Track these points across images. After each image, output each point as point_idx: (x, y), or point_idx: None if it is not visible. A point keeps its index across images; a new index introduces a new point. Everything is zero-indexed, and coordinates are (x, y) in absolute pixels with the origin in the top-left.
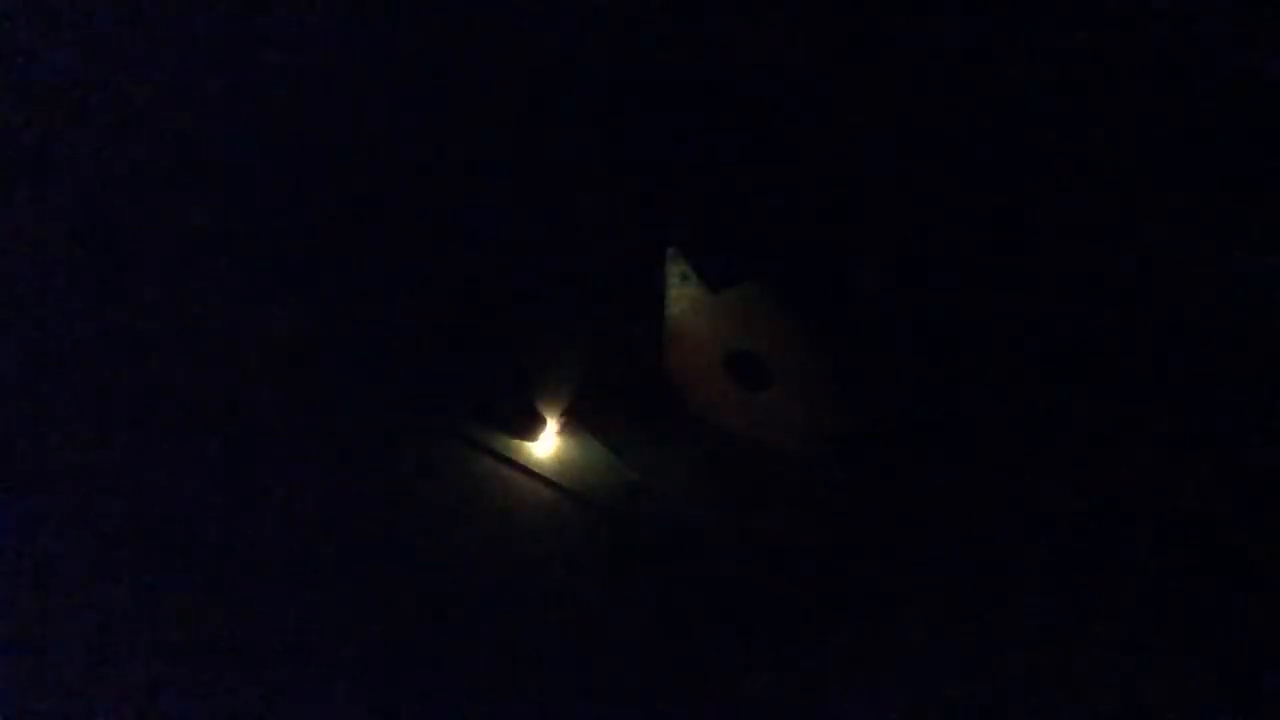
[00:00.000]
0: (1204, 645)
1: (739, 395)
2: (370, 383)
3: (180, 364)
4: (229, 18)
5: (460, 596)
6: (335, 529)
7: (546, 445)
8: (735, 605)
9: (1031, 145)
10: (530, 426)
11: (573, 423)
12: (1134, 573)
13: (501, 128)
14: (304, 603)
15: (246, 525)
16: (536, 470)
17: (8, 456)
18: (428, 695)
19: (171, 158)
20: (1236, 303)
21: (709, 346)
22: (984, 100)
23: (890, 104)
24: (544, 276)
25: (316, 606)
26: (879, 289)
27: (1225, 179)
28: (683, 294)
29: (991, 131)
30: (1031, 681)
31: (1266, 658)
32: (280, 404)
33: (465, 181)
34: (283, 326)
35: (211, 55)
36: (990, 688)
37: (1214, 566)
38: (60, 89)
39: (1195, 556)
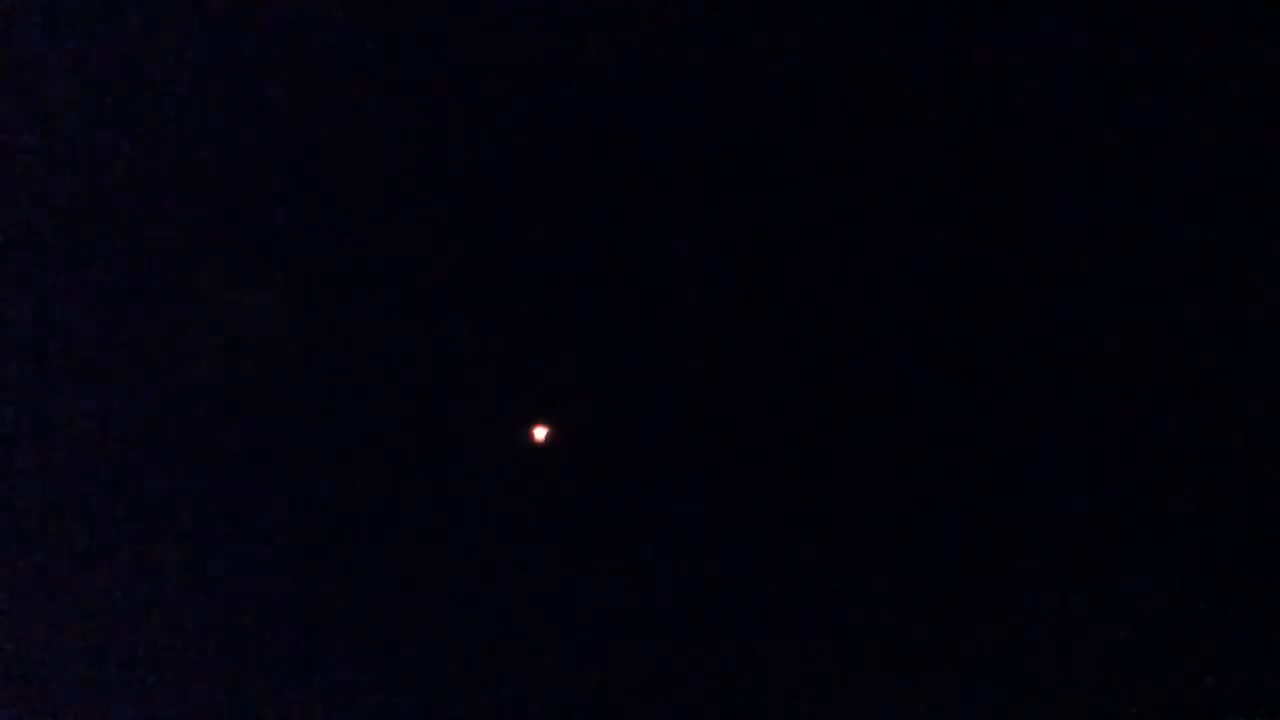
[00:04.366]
0: (1205, 648)
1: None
2: (369, 383)
3: (179, 364)
4: (229, 18)
5: (457, 596)
6: (333, 529)
7: (545, 443)
8: (736, 604)
9: (1034, 144)
10: (530, 426)
11: (571, 422)
12: (1135, 573)
13: (501, 129)
14: (299, 601)
15: (244, 524)
16: (536, 469)
17: (8, 455)
18: (423, 694)
19: (172, 157)
20: (1239, 303)
21: None
22: (985, 99)
23: (890, 103)
24: (543, 276)
25: (311, 606)
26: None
27: (1227, 179)
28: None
29: (993, 130)
30: (1031, 682)
31: (1267, 659)
32: (278, 404)
33: (463, 182)
34: (280, 325)
35: (212, 54)
36: (989, 689)
37: (1215, 567)
38: (60, 89)
39: (1196, 557)
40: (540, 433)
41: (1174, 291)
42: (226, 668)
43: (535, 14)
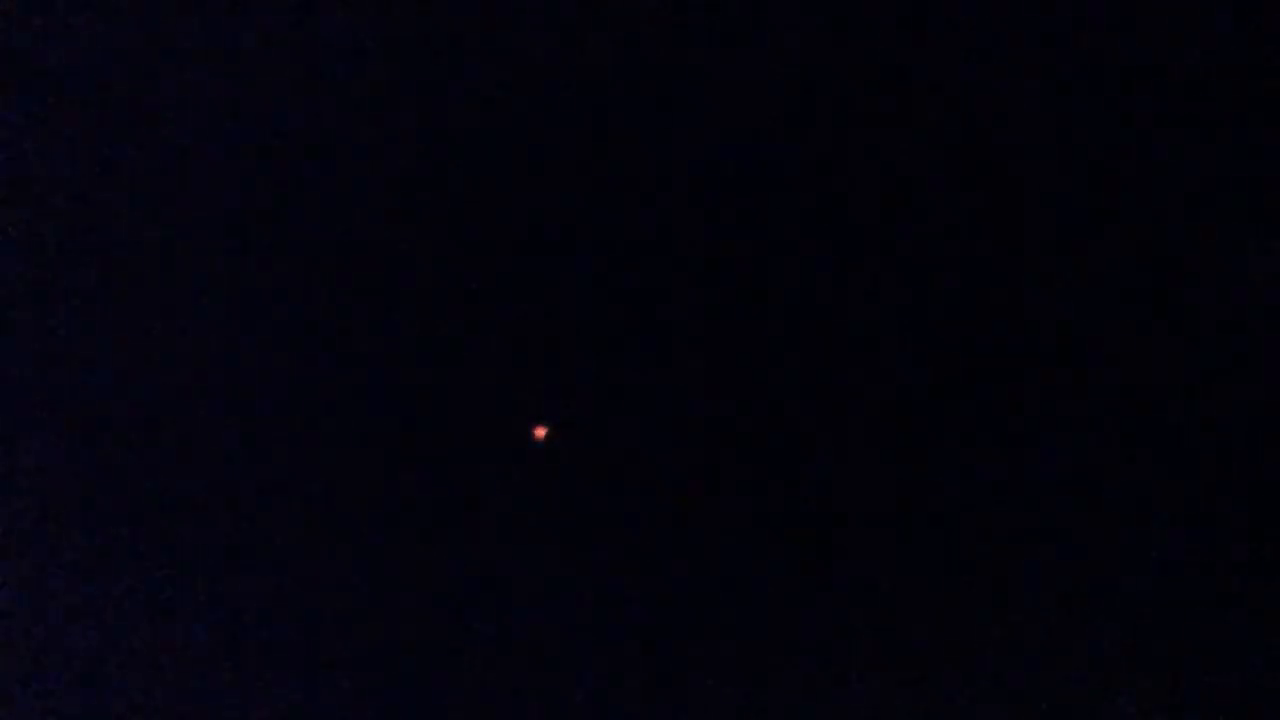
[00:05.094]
0: (1205, 648)
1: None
2: (368, 383)
3: (177, 364)
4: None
5: (457, 596)
6: (331, 529)
7: (545, 443)
8: (736, 603)
9: (1034, 144)
10: (530, 425)
11: (571, 422)
12: (1135, 573)
13: (502, 129)
14: (297, 601)
15: (242, 525)
16: (536, 469)
17: (8, 455)
18: (423, 694)
19: (172, 157)
20: (1239, 302)
21: None
22: (983, 97)
23: (888, 102)
24: (544, 276)
25: (308, 606)
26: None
27: (1227, 178)
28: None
29: (992, 129)
30: (1031, 681)
31: (1268, 659)
32: (276, 404)
33: (463, 182)
34: (278, 325)
35: (213, 55)
36: (989, 689)
37: (1215, 567)
38: (60, 88)
39: (1196, 557)
40: (540, 433)
41: (1174, 291)
42: (223, 668)
43: (535, 13)
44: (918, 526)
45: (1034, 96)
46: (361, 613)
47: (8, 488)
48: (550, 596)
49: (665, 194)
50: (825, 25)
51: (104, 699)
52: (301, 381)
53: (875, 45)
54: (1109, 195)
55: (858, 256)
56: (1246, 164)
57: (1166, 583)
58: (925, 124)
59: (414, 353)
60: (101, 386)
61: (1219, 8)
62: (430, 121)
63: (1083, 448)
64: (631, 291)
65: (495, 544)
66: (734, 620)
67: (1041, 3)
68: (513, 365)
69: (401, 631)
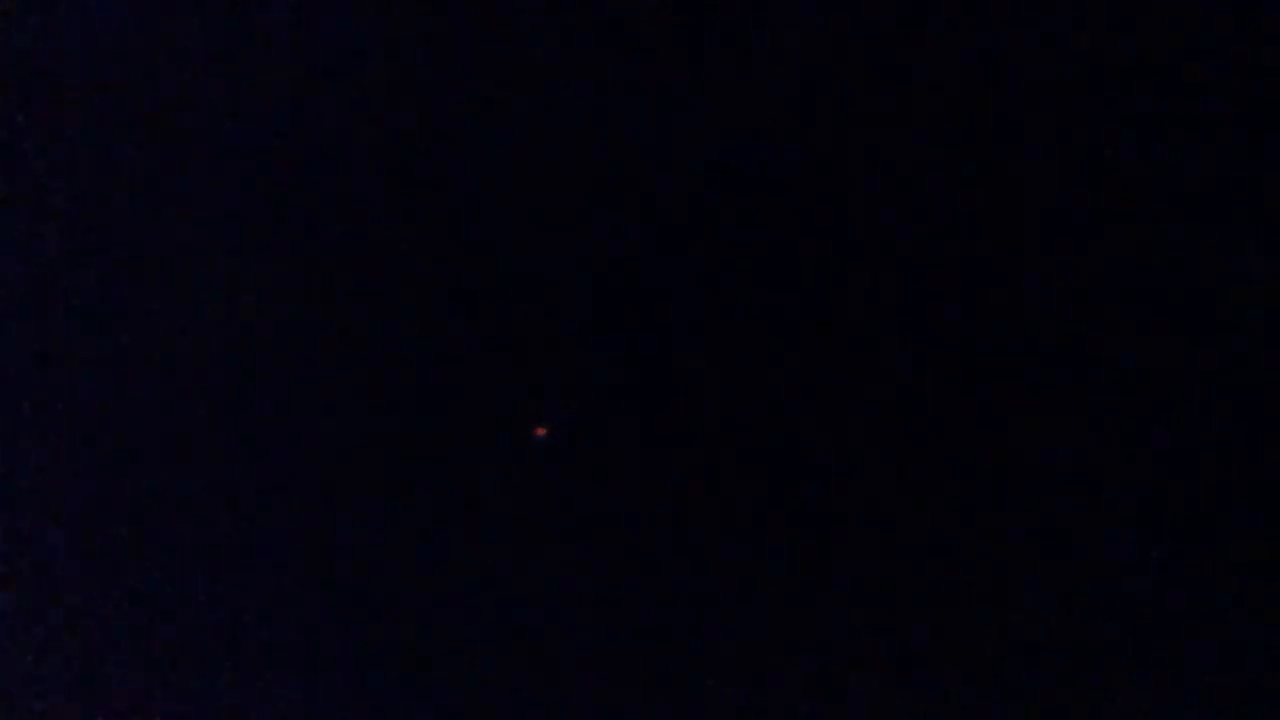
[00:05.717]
0: (1205, 648)
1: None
2: (370, 381)
3: (179, 364)
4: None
5: (456, 596)
6: (332, 527)
7: (546, 443)
8: (736, 603)
9: (1032, 142)
10: (530, 425)
11: (570, 421)
12: (1135, 573)
13: (502, 128)
14: (296, 602)
15: (244, 524)
16: (536, 469)
17: (8, 456)
18: (422, 695)
19: (173, 156)
20: (1238, 303)
21: None
22: (983, 97)
23: (888, 102)
24: (543, 275)
25: (307, 606)
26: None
27: (1227, 179)
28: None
29: (992, 129)
30: (1030, 681)
31: (1268, 659)
32: (277, 404)
33: (465, 180)
34: (277, 325)
35: (213, 52)
36: (989, 689)
37: (1215, 567)
38: (59, 86)
39: (1196, 557)
40: (540, 432)
41: (1174, 291)
42: (223, 667)
43: (535, 13)
44: (918, 526)
45: (1034, 96)
46: (361, 613)
47: (8, 488)
48: (550, 596)
49: (665, 194)
50: (825, 25)
51: (104, 699)
52: (301, 381)
53: (875, 45)
54: (1109, 195)
55: (858, 256)
56: (1246, 164)
57: (1166, 583)
58: (925, 124)
59: (414, 353)
60: (101, 386)
61: (1219, 8)
62: (430, 121)
63: (1083, 448)
64: (632, 291)
65: (495, 544)
66: (734, 620)
67: (1041, 3)
68: (513, 365)
69: (401, 631)
